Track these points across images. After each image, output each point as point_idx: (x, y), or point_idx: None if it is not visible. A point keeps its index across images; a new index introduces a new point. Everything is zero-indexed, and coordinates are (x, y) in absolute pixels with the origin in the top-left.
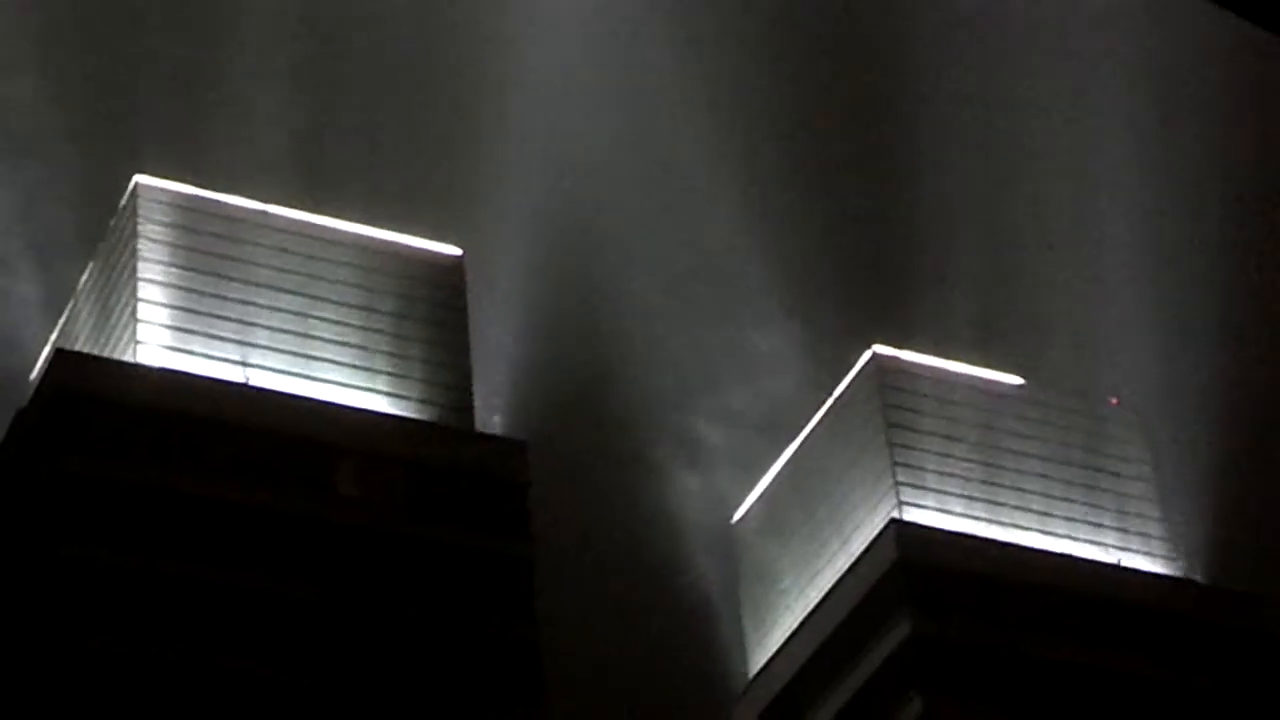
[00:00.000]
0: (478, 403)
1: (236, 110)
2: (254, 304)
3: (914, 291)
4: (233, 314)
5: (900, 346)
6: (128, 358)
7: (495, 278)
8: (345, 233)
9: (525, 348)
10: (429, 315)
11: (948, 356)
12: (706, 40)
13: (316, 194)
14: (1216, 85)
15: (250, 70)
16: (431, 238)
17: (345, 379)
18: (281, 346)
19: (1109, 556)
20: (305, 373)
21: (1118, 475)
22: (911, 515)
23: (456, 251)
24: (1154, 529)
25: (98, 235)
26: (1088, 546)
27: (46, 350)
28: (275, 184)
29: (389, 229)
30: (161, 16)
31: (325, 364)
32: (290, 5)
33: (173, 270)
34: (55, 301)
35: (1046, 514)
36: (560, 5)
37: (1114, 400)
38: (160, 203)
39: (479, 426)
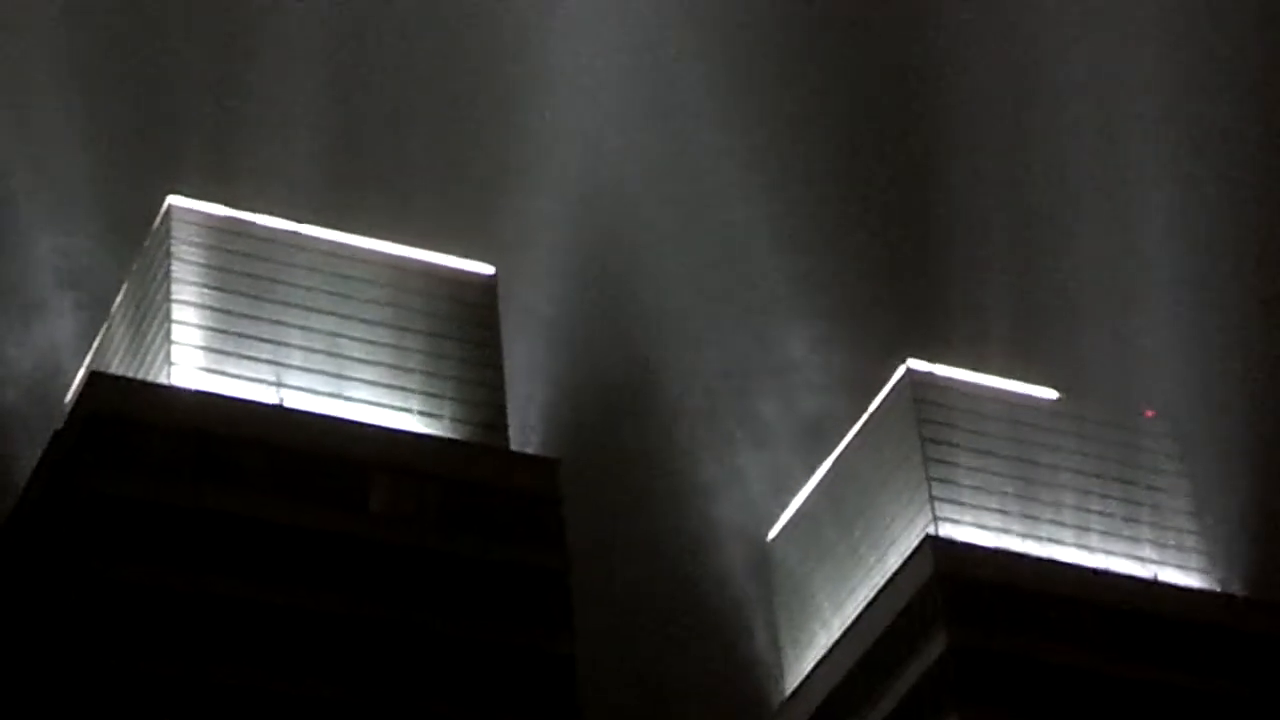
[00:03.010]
0: (512, 421)
1: (269, 130)
2: (287, 324)
3: (948, 306)
4: (266, 334)
5: (935, 361)
6: (162, 379)
7: (528, 296)
8: (378, 252)
9: (559, 365)
10: (462, 334)
11: (982, 370)
12: (740, 57)
13: (349, 213)
14: (1254, 90)
15: (282, 91)
16: (464, 256)
17: (379, 398)
18: (315, 366)
19: (1146, 570)
20: (339, 392)
21: (1154, 488)
22: (947, 531)
23: (490, 270)
24: (1191, 542)
25: (131, 256)
26: (1124, 560)
27: (82, 372)
28: (308, 204)
29: (422, 248)
30: (192, 38)
31: (359, 383)
32: (321, 27)
33: (206, 291)
34: (90, 323)
35: (1083, 528)
36: (592, 27)
37: (1149, 413)
38: (193, 224)
39: (514, 445)
